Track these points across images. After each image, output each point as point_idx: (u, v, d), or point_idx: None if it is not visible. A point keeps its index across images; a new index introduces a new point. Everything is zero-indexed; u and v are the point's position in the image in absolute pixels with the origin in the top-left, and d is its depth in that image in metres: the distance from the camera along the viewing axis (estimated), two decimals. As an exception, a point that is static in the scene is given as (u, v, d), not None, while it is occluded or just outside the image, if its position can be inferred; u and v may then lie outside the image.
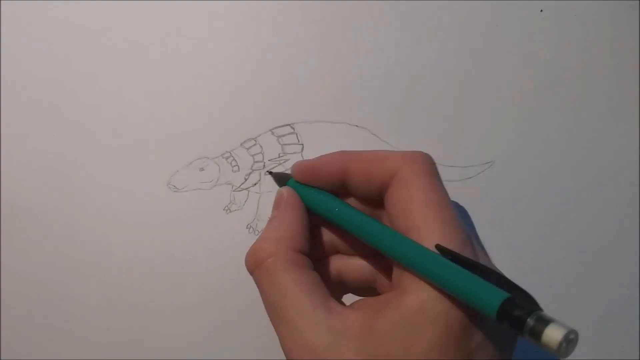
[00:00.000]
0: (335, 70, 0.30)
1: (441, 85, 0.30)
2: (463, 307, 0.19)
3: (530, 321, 0.16)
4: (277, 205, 0.26)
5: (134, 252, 0.30)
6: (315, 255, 0.25)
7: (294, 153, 0.30)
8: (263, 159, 0.30)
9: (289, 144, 0.30)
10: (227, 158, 0.30)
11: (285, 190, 0.26)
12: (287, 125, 0.30)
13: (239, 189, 0.30)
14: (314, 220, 0.25)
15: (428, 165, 0.23)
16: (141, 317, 0.29)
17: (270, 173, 0.28)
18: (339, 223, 0.24)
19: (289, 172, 0.27)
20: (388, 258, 0.22)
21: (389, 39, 0.31)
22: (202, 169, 0.30)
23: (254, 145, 0.30)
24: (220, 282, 0.29)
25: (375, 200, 0.24)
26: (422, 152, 0.23)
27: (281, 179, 0.27)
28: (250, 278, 0.29)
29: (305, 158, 0.30)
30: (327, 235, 0.26)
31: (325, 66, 0.30)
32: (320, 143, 0.30)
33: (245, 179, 0.30)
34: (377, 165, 0.23)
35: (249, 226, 0.30)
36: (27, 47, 0.31)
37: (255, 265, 0.23)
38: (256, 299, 0.29)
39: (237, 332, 0.29)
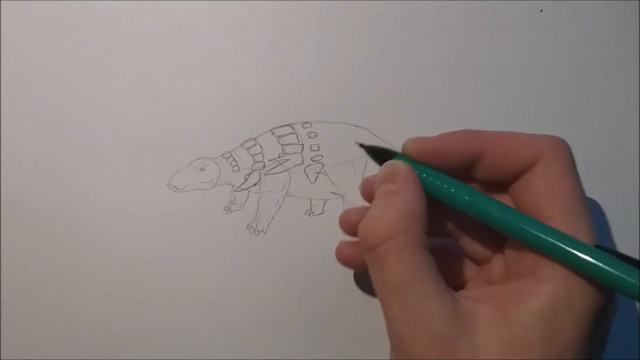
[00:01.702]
0: (336, 70, 0.30)
1: (441, 85, 0.30)
2: (603, 298, 0.19)
3: None
4: (391, 178, 0.23)
5: (134, 252, 0.30)
6: None
7: (294, 153, 0.30)
8: (263, 159, 0.30)
9: (289, 144, 0.30)
10: (227, 158, 0.30)
11: (402, 164, 0.24)
12: (287, 125, 0.30)
13: (239, 189, 0.30)
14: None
15: (571, 154, 0.22)
16: (141, 316, 0.29)
17: (362, 146, 0.26)
18: (467, 210, 0.22)
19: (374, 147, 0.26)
20: (520, 246, 0.22)
21: (389, 39, 0.31)
22: (202, 169, 0.30)
23: (254, 145, 0.30)
24: (220, 282, 0.29)
25: (498, 184, 0.23)
26: (564, 140, 0.22)
27: (379, 154, 0.26)
28: (250, 279, 0.29)
29: (305, 158, 0.30)
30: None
31: (325, 66, 0.30)
32: (320, 143, 0.30)
33: (246, 179, 0.30)
34: (520, 148, 0.22)
35: (249, 226, 0.30)
36: (27, 47, 0.31)
37: (383, 238, 0.21)
38: (256, 299, 0.29)
39: (238, 332, 0.29)
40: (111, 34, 0.31)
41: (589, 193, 0.30)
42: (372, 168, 0.30)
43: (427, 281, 0.20)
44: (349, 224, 0.27)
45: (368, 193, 0.26)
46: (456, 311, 0.20)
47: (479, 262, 0.26)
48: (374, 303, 0.29)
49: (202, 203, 0.30)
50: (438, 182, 0.23)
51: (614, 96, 0.31)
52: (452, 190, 0.23)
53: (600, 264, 0.19)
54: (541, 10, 0.31)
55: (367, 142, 0.30)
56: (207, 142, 0.30)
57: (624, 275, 0.19)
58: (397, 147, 0.30)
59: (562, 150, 0.22)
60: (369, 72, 0.30)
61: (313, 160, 0.30)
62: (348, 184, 0.30)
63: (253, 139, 0.30)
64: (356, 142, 0.27)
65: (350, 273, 0.29)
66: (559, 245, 0.20)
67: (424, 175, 0.23)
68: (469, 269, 0.26)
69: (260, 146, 0.30)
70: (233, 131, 0.30)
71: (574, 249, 0.19)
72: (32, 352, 0.30)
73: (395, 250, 0.21)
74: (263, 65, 0.30)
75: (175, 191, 0.30)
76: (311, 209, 0.30)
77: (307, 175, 0.30)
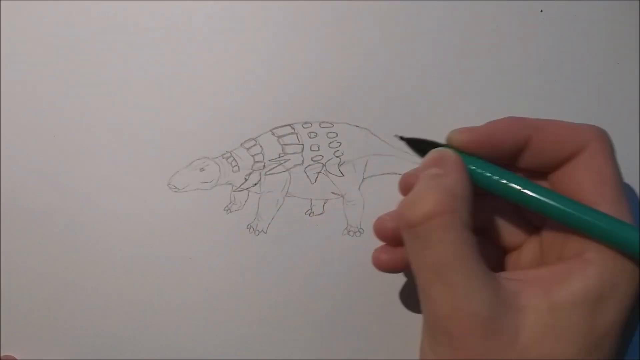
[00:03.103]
0: (336, 70, 0.30)
1: (441, 85, 0.30)
2: None
3: None
4: (438, 162, 0.23)
5: (134, 252, 0.30)
6: None
7: (295, 153, 0.30)
8: (263, 159, 0.30)
9: (290, 144, 0.30)
10: (227, 158, 0.30)
11: (451, 152, 0.24)
12: (287, 125, 0.30)
13: (239, 189, 0.30)
14: None
15: (612, 144, 0.23)
16: (141, 316, 0.29)
17: (403, 138, 0.26)
18: (517, 199, 0.22)
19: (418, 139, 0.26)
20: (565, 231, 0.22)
21: (390, 39, 0.31)
22: (202, 169, 0.30)
23: (254, 145, 0.30)
24: (220, 282, 0.29)
25: (538, 172, 0.24)
26: (605, 130, 0.23)
27: (423, 145, 0.25)
28: (250, 279, 0.29)
29: (305, 158, 0.30)
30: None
31: (326, 66, 0.30)
32: (320, 143, 0.30)
33: (246, 179, 0.30)
34: (567, 136, 0.22)
35: (249, 226, 0.30)
36: (26, 47, 0.31)
37: (429, 215, 0.21)
38: (256, 299, 0.29)
39: (237, 332, 0.29)
40: (110, 34, 0.31)
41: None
42: (373, 168, 0.30)
43: (470, 262, 0.20)
44: (386, 230, 0.26)
45: (407, 187, 0.26)
46: (498, 292, 0.20)
47: (508, 249, 0.26)
48: (374, 303, 0.29)
49: (202, 203, 0.30)
50: (487, 173, 0.23)
51: (614, 97, 0.31)
52: (503, 180, 0.22)
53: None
54: (541, 11, 0.31)
55: (369, 143, 0.30)
56: (207, 142, 0.30)
57: None
58: (398, 147, 0.30)
59: (606, 139, 0.22)
60: (370, 72, 0.30)
61: (313, 161, 0.30)
62: (348, 184, 0.30)
63: (253, 139, 0.30)
64: (395, 135, 0.27)
65: (351, 273, 0.29)
66: (607, 228, 0.20)
67: (472, 166, 0.23)
68: (498, 257, 0.26)
69: (261, 146, 0.30)
70: (233, 131, 0.30)
71: (622, 230, 0.20)
72: (32, 352, 0.30)
73: (441, 228, 0.20)
74: (263, 65, 0.30)
75: (175, 191, 0.30)
76: (311, 209, 0.30)
77: (307, 175, 0.30)
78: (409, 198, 0.22)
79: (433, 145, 0.25)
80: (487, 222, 0.26)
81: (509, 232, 0.26)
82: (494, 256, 0.26)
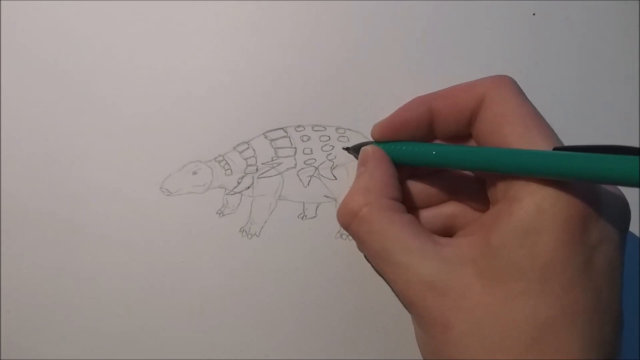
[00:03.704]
0: (329, 73, 0.30)
1: (434, 88, 0.30)
2: (580, 202, 0.19)
3: None
4: (363, 162, 0.26)
5: (126, 256, 0.30)
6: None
7: (287, 157, 0.30)
8: (256, 163, 0.30)
9: (282, 148, 0.30)
10: (220, 162, 0.30)
11: (370, 147, 0.26)
12: (280, 128, 0.30)
13: (232, 193, 0.30)
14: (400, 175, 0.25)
15: (515, 85, 0.23)
16: (135, 319, 0.29)
17: (347, 149, 0.29)
18: (438, 162, 0.24)
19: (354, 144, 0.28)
20: (489, 181, 0.23)
21: (382, 42, 0.31)
22: (194, 173, 0.30)
23: (247, 148, 0.30)
24: (213, 286, 0.29)
25: (462, 136, 0.25)
26: (505, 75, 0.23)
27: (360, 149, 0.27)
28: (243, 282, 0.29)
29: (298, 162, 0.30)
30: (416, 187, 0.26)
31: (318, 70, 0.30)
32: (313, 146, 0.30)
33: (238, 183, 0.30)
34: (464, 95, 0.23)
35: (242, 230, 0.30)
36: (23, 48, 0.31)
37: (350, 217, 0.23)
38: (249, 302, 0.29)
39: (230, 336, 0.29)
40: (104, 38, 0.31)
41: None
42: (365, 171, 0.30)
43: (404, 238, 0.22)
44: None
45: None
46: (441, 254, 0.21)
47: (483, 209, 0.26)
48: (367, 306, 0.29)
49: (195, 207, 0.30)
50: (404, 148, 0.25)
51: (606, 99, 0.31)
52: (414, 149, 0.25)
53: (554, 162, 0.19)
54: (534, 14, 0.31)
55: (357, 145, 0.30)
56: (200, 146, 0.30)
57: (574, 163, 0.18)
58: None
59: (503, 83, 0.23)
60: (363, 75, 0.30)
61: (306, 164, 0.30)
62: (341, 187, 0.30)
63: (246, 142, 0.30)
64: (343, 148, 0.30)
65: (344, 276, 0.29)
66: (520, 161, 0.20)
67: (391, 148, 0.26)
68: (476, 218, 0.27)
69: (253, 149, 0.30)
70: (226, 134, 0.30)
71: (524, 158, 0.20)
72: (32, 352, 0.30)
73: (364, 222, 0.23)
74: (256, 68, 0.31)
75: (167, 195, 0.30)
76: (304, 212, 0.30)
77: (300, 178, 0.30)
78: (338, 208, 0.25)
79: (366, 144, 0.27)
80: (461, 193, 0.27)
81: (472, 197, 0.26)
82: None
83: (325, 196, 0.30)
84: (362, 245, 0.23)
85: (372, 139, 0.28)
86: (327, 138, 0.30)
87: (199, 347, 0.29)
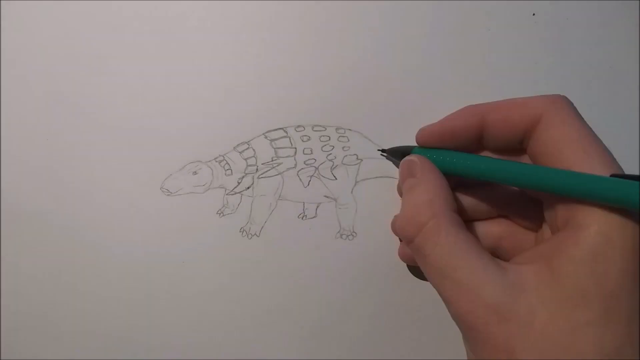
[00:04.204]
0: (328, 73, 0.30)
1: (434, 88, 0.30)
2: None
3: None
4: (410, 173, 0.25)
5: (128, 256, 0.30)
6: None
7: (287, 157, 0.30)
8: (256, 163, 0.30)
9: (282, 148, 0.30)
10: (220, 162, 0.30)
11: (415, 157, 0.25)
12: (280, 129, 0.30)
13: (232, 193, 0.30)
14: None
15: (572, 107, 0.22)
16: (136, 318, 0.29)
17: (383, 151, 0.29)
18: (490, 177, 0.23)
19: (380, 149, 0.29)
20: (550, 202, 0.22)
21: (381, 41, 0.31)
22: (195, 173, 0.30)
23: (247, 149, 0.30)
24: (213, 286, 0.29)
25: (510, 150, 0.24)
26: (562, 95, 0.23)
27: (398, 153, 0.27)
28: (243, 282, 0.29)
29: (298, 162, 0.30)
30: (464, 200, 0.26)
31: (318, 70, 0.30)
32: (313, 146, 0.30)
33: (238, 183, 0.30)
34: (519, 111, 0.23)
35: (242, 230, 0.30)
36: (24, 48, 0.31)
37: (416, 229, 0.23)
38: (249, 302, 0.29)
39: (230, 335, 0.29)
40: (104, 38, 0.31)
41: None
42: (365, 172, 0.30)
43: (469, 256, 0.21)
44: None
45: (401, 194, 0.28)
46: (504, 277, 0.20)
47: (535, 229, 0.26)
48: (367, 306, 0.29)
49: (195, 207, 0.30)
50: (454, 160, 0.24)
51: (606, 100, 0.31)
52: (468, 162, 0.24)
53: (612, 189, 0.19)
54: (534, 14, 0.31)
55: (361, 146, 0.30)
56: (200, 146, 0.30)
57: (631, 191, 0.18)
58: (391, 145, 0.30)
59: (560, 104, 0.22)
60: (362, 75, 0.30)
61: (306, 164, 0.30)
62: (341, 187, 0.30)
63: (246, 142, 0.30)
64: (378, 150, 0.29)
65: (344, 276, 0.29)
66: (584, 187, 0.20)
67: (441, 158, 0.25)
68: (529, 239, 0.26)
69: (253, 150, 0.30)
70: (226, 135, 0.30)
71: (583, 181, 0.20)
72: (32, 352, 0.30)
73: (430, 236, 0.22)
74: (256, 68, 0.31)
75: (168, 195, 0.30)
76: (304, 212, 0.30)
77: (300, 178, 0.30)
78: (399, 221, 0.24)
79: (407, 149, 0.27)
80: (509, 209, 0.26)
81: (526, 214, 0.26)
82: (529, 239, 0.26)
83: (325, 196, 0.30)
84: (424, 259, 0.22)
85: (379, 148, 0.29)
86: (327, 138, 0.30)
87: (199, 347, 0.29)
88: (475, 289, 0.20)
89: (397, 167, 0.27)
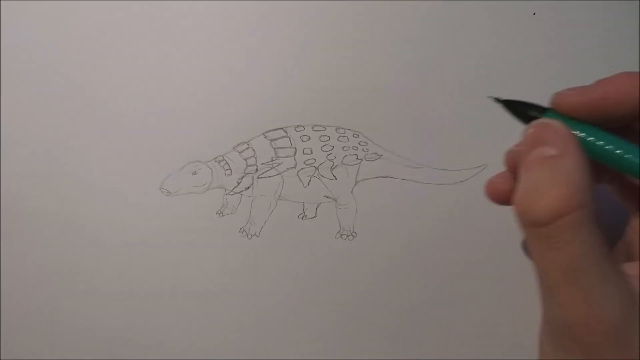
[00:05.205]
0: (328, 73, 0.30)
1: (434, 88, 0.30)
2: None
3: None
4: (546, 139, 0.20)
5: (127, 256, 0.30)
6: None
7: (287, 157, 0.30)
8: (256, 163, 0.30)
9: (282, 148, 0.30)
10: (219, 162, 0.30)
11: (557, 123, 0.20)
12: (280, 128, 0.30)
13: (232, 193, 0.30)
14: None
15: None
16: (135, 318, 0.29)
17: (499, 100, 0.22)
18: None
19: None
20: None
21: (381, 41, 0.31)
22: (194, 173, 0.30)
23: (247, 149, 0.30)
24: (213, 286, 0.29)
25: None
26: None
27: (521, 110, 0.22)
28: (243, 282, 0.29)
29: (298, 162, 0.30)
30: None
31: (318, 70, 0.30)
32: (313, 146, 0.30)
33: (238, 183, 0.30)
34: None
35: (242, 230, 0.30)
36: (24, 48, 0.31)
37: (557, 214, 0.18)
38: (249, 302, 0.29)
39: (231, 335, 0.29)
40: (104, 38, 0.31)
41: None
42: (365, 172, 0.30)
43: (603, 263, 0.18)
44: (500, 193, 0.24)
45: (514, 163, 0.23)
46: (630, 295, 0.18)
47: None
48: (367, 306, 0.29)
49: (195, 207, 0.30)
50: (603, 144, 0.19)
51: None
52: (624, 153, 0.19)
53: None
54: (534, 14, 0.31)
55: (361, 146, 0.30)
56: (200, 146, 0.30)
57: None
58: (389, 150, 0.30)
59: None
60: (362, 75, 0.30)
61: (306, 164, 0.30)
62: (341, 187, 0.30)
63: (246, 142, 0.30)
64: (489, 97, 0.23)
65: (343, 276, 0.29)
66: None
67: (585, 136, 0.20)
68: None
69: (253, 150, 0.30)
70: (225, 135, 0.30)
71: None
72: (32, 352, 0.30)
73: (571, 228, 0.18)
74: (256, 68, 0.30)
75: (167, 195, 0.30)
76: (304, 212, 0.30)
77: (300, 178, 0.30)
78: (529, 194, 0.19)
79: (537, 109, 0.21)
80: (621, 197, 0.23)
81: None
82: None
83: (325, 196, 0.30)
84: (549, 252, 0.19)
85: (378, 146, 0.27)
86: (327, 138, 0.30)
87: (199, 347, 0.29)
88: (599, 301, 0.18)
89: (523, 122, 0.22)
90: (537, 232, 0.19)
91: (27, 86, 0.31)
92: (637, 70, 0.30)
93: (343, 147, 0.30)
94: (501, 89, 0.30)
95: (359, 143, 0.30)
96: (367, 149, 0.30)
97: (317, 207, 0.30)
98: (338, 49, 0.31)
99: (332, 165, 0.30)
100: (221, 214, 0.30)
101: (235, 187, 0.30)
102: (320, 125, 0.30)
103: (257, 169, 0.30)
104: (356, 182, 0.30)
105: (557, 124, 0.20)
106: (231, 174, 0.30)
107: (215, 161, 0.30)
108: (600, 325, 0.18)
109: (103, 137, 0.30)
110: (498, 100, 0.23)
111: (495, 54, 0.31)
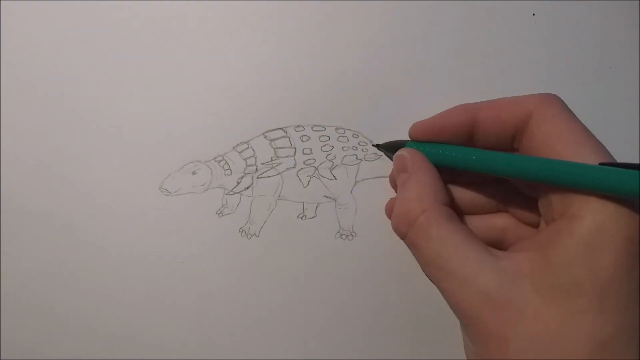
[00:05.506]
0: (328, 73, 0.30)
1: (434, 88, 0.30)
2: (636, 226, 0.19)
3: None
4: (402, 168, 0.26)
5: (127, 256, 0.30)
6: None
7: (287, 157, 0.30)
8: (255, 163, 0.30)
9: (282, 148, 0.30)
10: (219, 162, 0.30)
11: (405, 151, 0.26)
12: (279, 128, 0.30)
13: (232, 193, 0.30)
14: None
15: (562, 103, 0.23)
16: (135, 318, 0.29)
17: (377, 146, 0.29)
18: (482, 168, 0.23)
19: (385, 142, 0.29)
20: (544, 193, 0.22)
21: (381, 42, 0.31)
22: (194, 173, 0.30)
23: (247, 149, 0.30)
24: (212, 286, 0.29)
25: (502, 148, 0.24)
26: (552, 93, 0.23)
27: (392, 148, 0.27)
28: (242, 282, 0.29)
29: (297, 162, 0.30)
30: (461, 194, 0.27)
31: (318, 70, 0.30)
32: (312, 146, 0.30)
33: (238, 183, 0.30)
34: (510, 109, 0.23)
35: (241, 230, 0.30)
36: (24, 48, 0.31)
37: (408, 225, 0.23)
38: (248, 302, 0.29)
39: (230, 335, 0.29)
40: (104, 38, 0.31)
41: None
42: (365, 172, 0.30)
43: (461, 246, 0.21)
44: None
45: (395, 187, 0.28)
46: (498, 266, 0.21)
47: (535, 225, 0.26)
48: (366, 306, 0.29)
49: (194, 206, 0.30)
50: (446, 152, 0.25)
51: (606, 99, 0.31)
52: (460, 154, 0.24)
53: (603, 177, 0.19)
54: (534, 14, 0.31)
55: (361, 146, 0.30)
56: (199, 146, 0.30)
57: (622, 179, 0.19)
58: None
59: (551, 101, 0.23)
60: (362, 75, 0.30)
61: (305, 164, 0.30)
62: (340, 187, 0.30)
63: (245, 142, 0.30)
64: (373, 144, 0.30)
65: (343, 276, 0.29)
66: (577, 176, 0.20)
67: (433, 151, 0.25)
68: (531, 232, 0.27)
69: (253, 150, 0.30)
70: (225, 134, 0.30)
71: (574, 170, 0.20)
72: (32, 352, 0.30)
73: (421, 230, 0.22)
74: (255, 68, 0.31)
75: (167, 195, 0.30)
76: (304, 212, 0.30)
77: (299, 178, 0.30)
78: (393, 217, 0.24)
79: (400, 144, 0.27)
80: (509, 205, 0.27)
81: (524, 208, 0.26)
82: (529, 233, 0.27)
83: (324, 196, 0.30)
84: (418, 254, 0.23)
85: (373, 142, 0.29)
86: (327, 138, 0.30)
87: (199, 347, 0.29)
88: (468, 278, 0.21)
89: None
90: (407, 242, 0.24)
91: (27, 86, 0.31)
92: (637, 69, 0.31)
93: (343, 147, 0.30)
94: (501, 89, 0.30)
95: (358, 143, 0.30)
96: (367, 149, 0.30)
97: (317, 207, 0.30)
98: (338, 49, 0.31)
99: (332, 165, 0.30)
100: (221, 214, 0.30)
101: (234, 187, 0.30)
102: (320, 126, 0.30)
103: (256, 169, 0.30)
104: (356, 182, 0.30)
105: (406, 152, 0.26)
106: (231, 174, 0.30)
107: (215, 161, 0.30)
108: (474, 297, 0.20)
109: (103, 137, 0.30)
110: (376, 146, 0.30)
111: (495, 54, 0.31)
